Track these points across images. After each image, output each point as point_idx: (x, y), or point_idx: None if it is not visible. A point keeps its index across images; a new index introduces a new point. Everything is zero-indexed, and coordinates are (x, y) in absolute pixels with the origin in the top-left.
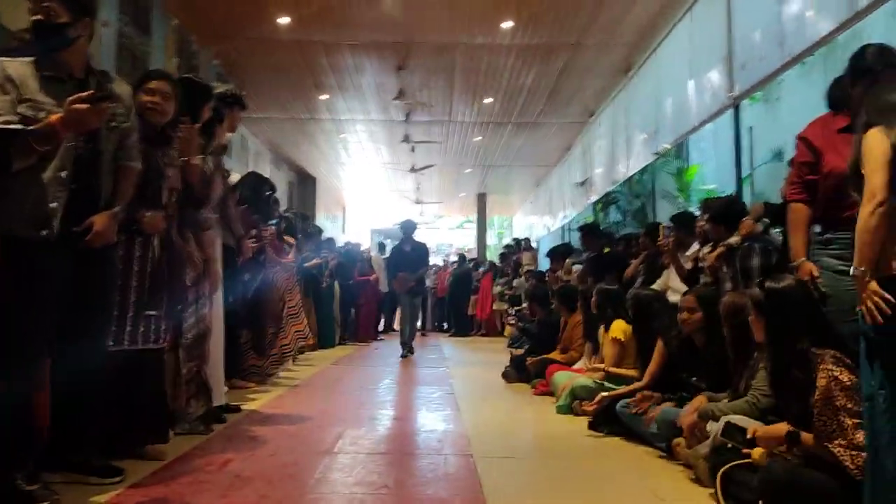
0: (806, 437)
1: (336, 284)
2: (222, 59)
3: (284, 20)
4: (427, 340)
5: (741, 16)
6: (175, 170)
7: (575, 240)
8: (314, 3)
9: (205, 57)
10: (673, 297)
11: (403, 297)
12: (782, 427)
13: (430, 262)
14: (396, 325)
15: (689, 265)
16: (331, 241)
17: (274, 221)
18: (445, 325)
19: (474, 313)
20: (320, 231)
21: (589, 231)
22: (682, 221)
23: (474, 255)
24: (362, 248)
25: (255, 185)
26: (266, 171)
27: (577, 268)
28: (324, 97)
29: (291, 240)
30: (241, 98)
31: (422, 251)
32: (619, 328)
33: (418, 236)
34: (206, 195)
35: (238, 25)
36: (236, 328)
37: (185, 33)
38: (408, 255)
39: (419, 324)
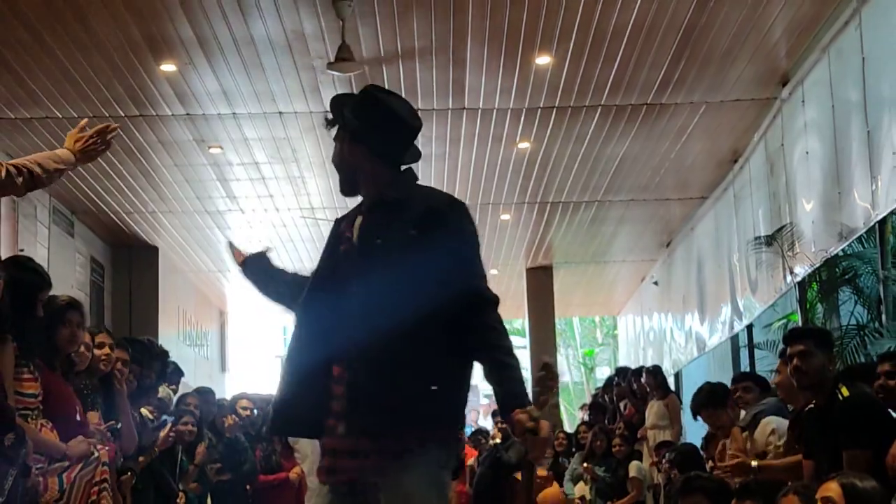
0: None
1: (209, 500)
2: None
3: None
4: None
5: None
6: None
7: (767, 364)
8: None
9: None
10: None
11: None
12: None
13: None
14: None
15: None
16: (202, 396)
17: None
18: None
19: None
20: (172, 367)
21: (794, 345)
22: None
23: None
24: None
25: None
26: (39, 237)
27: (774, 427)
28: (168, 68)
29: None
30: None
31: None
32: None
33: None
34: None
35: None
36: None
37: None
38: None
39: None
